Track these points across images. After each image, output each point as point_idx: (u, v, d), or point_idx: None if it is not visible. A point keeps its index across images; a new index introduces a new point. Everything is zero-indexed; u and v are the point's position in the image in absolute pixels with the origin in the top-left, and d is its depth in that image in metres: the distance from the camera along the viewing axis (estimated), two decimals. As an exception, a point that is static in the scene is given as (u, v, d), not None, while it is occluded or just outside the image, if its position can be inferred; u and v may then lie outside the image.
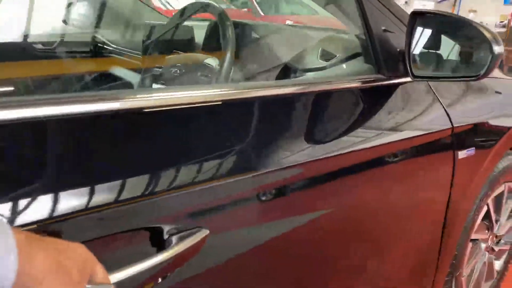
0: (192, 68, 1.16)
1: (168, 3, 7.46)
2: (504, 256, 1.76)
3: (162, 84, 1.30)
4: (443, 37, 1.36)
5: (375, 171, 0.96)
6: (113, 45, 1.97)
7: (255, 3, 8.38)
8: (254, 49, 1.36)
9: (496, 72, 1.57)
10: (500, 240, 1.73)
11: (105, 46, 2.01)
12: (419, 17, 1.09)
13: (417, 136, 1.08)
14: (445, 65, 1.44)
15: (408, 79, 1.07)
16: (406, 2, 8.54)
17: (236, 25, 1.30)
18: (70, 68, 2.03)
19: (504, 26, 6.98)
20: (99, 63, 2.04)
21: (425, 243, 1.22)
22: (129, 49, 1.85)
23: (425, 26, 1.16)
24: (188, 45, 1.43)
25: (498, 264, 1.74)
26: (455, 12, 7.71)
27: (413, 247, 1.18)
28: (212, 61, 1.15)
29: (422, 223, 1.18)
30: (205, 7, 1.19)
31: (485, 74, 1.05)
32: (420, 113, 1.15)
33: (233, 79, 1.12)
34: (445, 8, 7.85)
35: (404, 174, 1.04)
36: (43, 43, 1.95)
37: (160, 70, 1.26)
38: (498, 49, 1.03)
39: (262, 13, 8.06)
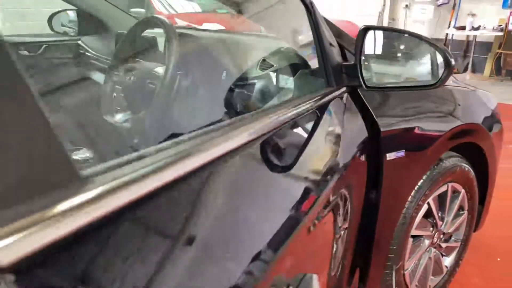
0: (143, 76, 1.29)
1: (171, 7, 7.62)
2: (454, 253, 1.86)
3: (118, 85, 1.43)
4: (392, 49, 1.47)
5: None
6: (93, 52, 2.12)
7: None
8: (201, 60, 1.47)
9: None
10: (450, 237, 1.83)
11: (86, 53, 2.15)
12: (369, 32, 1.20)
13: (348, 140, 1.17)
14: (396, 76, 1.56)
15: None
16: (406, 6, 8.60)
17: (186, 37, 1.43)
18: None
19: (501, 30, 7.00)
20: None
21: (355, 239, 1.32)
22: (106, 56, 1.99)
23: (375, 40, 1.26)
24: (149, 54, 1.56)
25: (448, 261, 1.84)
26: (454, 16, 7.75)
27: (343, 243, 1.27)
28: (160, 70, 1.28)
29: (352, 220, 1.28)
30: (156, 21, 1.32)
31: (442, 83, 1.16)
32: (352, 120, 1.26)
33: (178, 90, 1.25)
34: (444, 11, 7.89)
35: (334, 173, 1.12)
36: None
37: (118, 75, 1.39)
38: (452, 61, 1.14)
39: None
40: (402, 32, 1.35)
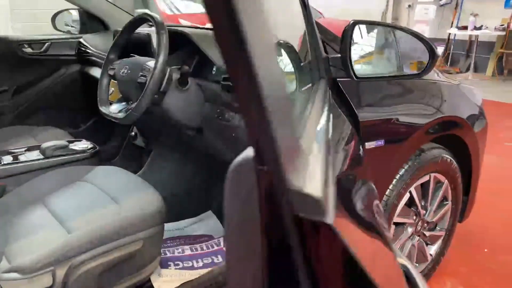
0: (136, 69, 1.37)
1: (176, 8, 7.70)
2: (439, 242, 1.92)
3: (114, 79, 1.51)
4: (381, 41, 1.54)
5: None
6: (93, 49, 2.21)
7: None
8: (189, 54, 1.56)
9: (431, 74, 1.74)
10: (435, 226, 1.89)
11: (87, 50, 2.24)
12: (358, 26, 1.27)
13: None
14: (384, 66, 1.64)
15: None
16: (409, 6, 8.64)
17: (176, 33, 1.51)
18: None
19: (504, 30, 7.02)
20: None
21: None
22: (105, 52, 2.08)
23: (363, 33, 1.33)
24: (143, 49, 1.64)
25: (432, 249, 1.90)
26: (456, 16, 7.78)
27: None
28: (151, 63, 1.36)
29: None
30: (147, 18, 1.41)
31: (426, 73, 1.23)
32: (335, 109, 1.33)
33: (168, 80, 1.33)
34: (447, 11, 7.93)
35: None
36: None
37: (114, 69, 1.48)
38: (437, 52, 1.22)
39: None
40: (387, 25, 1.43)
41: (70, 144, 1.66)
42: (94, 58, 2.22)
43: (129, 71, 1.39)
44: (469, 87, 1.95)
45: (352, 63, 1.25)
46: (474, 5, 7.56)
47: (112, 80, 1.52)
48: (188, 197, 1.90)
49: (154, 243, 1.33)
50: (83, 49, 2.27)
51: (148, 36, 1.67)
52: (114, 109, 1.43)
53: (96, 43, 2.25)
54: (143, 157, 2.01)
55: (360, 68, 1.35)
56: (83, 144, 1.70)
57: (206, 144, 1.56)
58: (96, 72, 2.21)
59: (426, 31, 8.26)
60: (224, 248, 1.68)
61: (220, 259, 1.60)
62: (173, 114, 1.43)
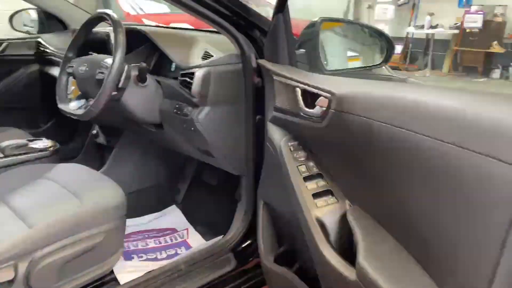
0: (94, 67, 1.40)
1: (140, 8, 7.60)
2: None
3: (73, 77, 1.53)
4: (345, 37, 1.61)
5: None
6: (51, 48, 2.21)
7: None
8: (149, 52, 1.60)
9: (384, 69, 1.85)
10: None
11: (46, 50, 2.24)
12: (325, 23, 1.34)
13: None
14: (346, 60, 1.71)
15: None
16: (369, 6, 8.89)
17: (135, 32, 1.55)
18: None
19: (457, 28, 7.35)
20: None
21: None
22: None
23: (331, 30, 1.40)
24: (103, 48, 1.67)
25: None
26: (413, 15, 8.07)
27: None
28: (109, 61, 1.39)
29: None
30: (104, 16, 1.44)
31: (387, 62, 1.33)
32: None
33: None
34: (404, 11, 8.21)
35: None
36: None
37: (72, 67, 1.50)
38: (393, 44, 1.34)
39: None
40: (351, 22, 1.52)
41: (30, 143, 1.67)
42: (53, 58, 2.21)
43: (87, 69, 1.42)
44: (416, 82, 2.07)
45: (321, 58, 1.32)
46: (429, 5, 7.87)
47: (71, 78, 1.54)
48: (152, 192, 1.94)
49: (116, 236, 1.36)
50: (42, 49, 2.27)
51: (107, 35, 1.70)
52: (73, 106, 1.46)
53: (55, 43, 2.25)
54: (105, 154, 2.03)
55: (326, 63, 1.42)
56: (44, 143, 1.71)
57: (166, 139, 1.61)
58: (56, 71, 2.21)
59: (386, 30, 8.54)
60: (187, 240, 1.73)
61: (184, 250, 1.65)
62: (133, 110, 1.47)
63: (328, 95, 0.85)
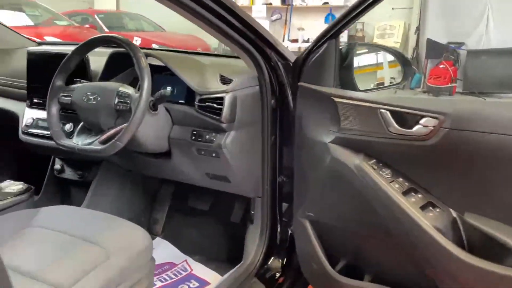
0: (109, 96, 1.25)
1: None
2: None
3: (74, 112, 1.35)
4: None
5: None
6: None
7: (97, 19, 8.16)
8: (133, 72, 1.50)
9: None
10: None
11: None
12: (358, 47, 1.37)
13: None
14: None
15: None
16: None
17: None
18: None
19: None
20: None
21: None
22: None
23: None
24: (84, 74, 1.50)
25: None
26: (287, 30, 8.73)
27: None
28: (125, 89, 1.27)
29: None
30: (112, 40, 1.30)
31: (406, 80, 1.42)
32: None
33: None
34: (278, 26, 8.83)
35: None
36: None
37: (68, 97, 1.32)
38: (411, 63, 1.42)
39: (106, 29, 7.89)
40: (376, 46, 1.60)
41: (3, 187, 1.41)
42: None
43: (99, 98, 1.26)
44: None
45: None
46: (300, 21, 8.60)
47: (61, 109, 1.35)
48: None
49: (150, 280, 1.24)
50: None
51: (86, 59, 1.52)
52: (79, 141, 1.28)
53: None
54: (71, 191, 1.80)
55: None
56: (16, 185, 1.45)
57: (171, 168, 1.51)
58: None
59: (262, 44, 9.03)
60: (194, 272, 1.64)
61: (196, 284, 1.57)
62: (144, 140, 1.35)
63: (438, 115, 0.95)
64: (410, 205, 1.01)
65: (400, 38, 7.56)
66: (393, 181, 1.05)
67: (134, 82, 1.54)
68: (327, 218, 1.24)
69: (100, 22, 8.06)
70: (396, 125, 1.02)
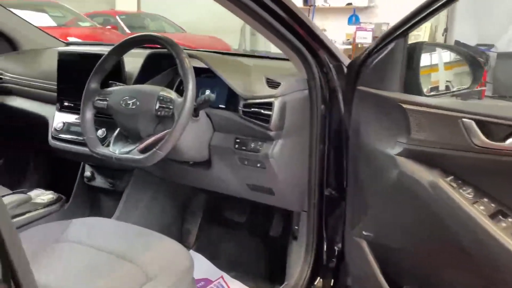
0: (149, 100, 1.15)
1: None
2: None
3: (107, 117, 1.25)
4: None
5: None
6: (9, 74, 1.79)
7: (119, 20, 8.15)
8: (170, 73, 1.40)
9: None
10: None
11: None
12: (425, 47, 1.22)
13: None
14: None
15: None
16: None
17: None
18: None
19: (350, 43, 8.01)
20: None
21: None
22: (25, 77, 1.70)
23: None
24: (119, 76, 1.40)
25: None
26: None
27: None
28: (167, 93, 1.16)
29: None
30: (154, 39, 1.20)
31: (477, 83, 1.27)
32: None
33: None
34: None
35: None
36: None
37: (104, 101, 1.21)
38: (482, 65, 1.25)
39: (128, 30, 7.88)
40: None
41: (33, 197, 1.31)
42: (4, 84, 1.80)
43: (138, 103, 1.15)
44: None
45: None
46: (322, 22, 8.46)
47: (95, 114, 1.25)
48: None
49: None
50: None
51: (121, 60, 1.42)
52: (118, 150, 1.17)
53: (5, 66, 1.83)
54: (101, 198, 1.70)
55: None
56: (46, 195, 1.36)
57: (210, 178, 1.40)
58: (9, 100, 1.80)
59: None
60: (230, 288, 1.53)
61: (236, 302, 1.45)
62: (183, 148, 1.24)
63: None
64: (500, 231, 0.87)
65: (426, 39, 7.36)
66: (477, 201, 0.92)
67: (170, 85, 1.44)
68: (390, 240, 1.11)
69: (122, 23, 8.06)
70: (483, 137, 0.88)
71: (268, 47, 9.52)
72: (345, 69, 1.29)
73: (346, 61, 1.30)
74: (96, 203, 1.71)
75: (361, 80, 1.16)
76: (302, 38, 1.17)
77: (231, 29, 9.21)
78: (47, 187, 1.67)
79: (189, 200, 1.83)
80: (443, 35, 6.98)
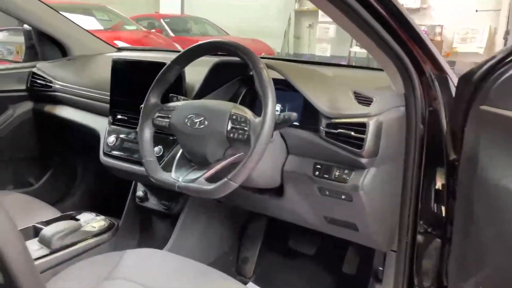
0: (220, 119, 0.96)
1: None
2: None
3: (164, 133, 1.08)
4: None
5: None
6: (60, 82, 1.67)
7: (163, 23, 8.16)
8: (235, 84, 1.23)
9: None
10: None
11: (47, 83, 1.70)
12: None
13: None
14: None
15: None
16: (310, 25, 8.98)
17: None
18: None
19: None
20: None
21: None
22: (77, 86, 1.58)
23: None
24: (179, 88, 1.23)
25: None
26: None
27: None
28: (240, 111, 0.97)
29: None
30: (223, 47, 1.01)
31: None
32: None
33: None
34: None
35: None
36: None
37: (166, 118, 1.04)
38: None
39: (172, 34, 7.87)
40: None
41: (82, 224, 1.16)
42: (54, 93, 1.68)
43: (206, 122, 0.98)
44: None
45: None
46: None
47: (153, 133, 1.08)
48: (217, 266, 1.51)
49: None
50: (39, 81, 1.71)
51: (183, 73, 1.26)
52: (181, 177, 0.99)
53: (55, 74, 1.71)
54: (153, 221, 1.55)
55: None
56: (98, 222, 1.21)
57: (281, 207, 1.21)
58: (58, 110, 1.68)
59: (328, 49, 8.65)
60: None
61: None
62: (256, 175, 1.06)
63: None
64: None
65: (484, 43, 6.89)
66: None
67: (234, 99, 1.26)
68: None
69: (166, 27, 8.05)
70: None
71: (312, 50, 9.38)
72: (451, 82, 1.07)
73: (450, 72, 1.09)
74: (147, 226, 1.55)
75: (481, 98, 0.93)
76: (405, 44, 0.96)
77: (274, 32, 9.08)
78: (93, 206, 1.54)
79: (248, 223, 1.65)
80: (504, 38, 6.50)
